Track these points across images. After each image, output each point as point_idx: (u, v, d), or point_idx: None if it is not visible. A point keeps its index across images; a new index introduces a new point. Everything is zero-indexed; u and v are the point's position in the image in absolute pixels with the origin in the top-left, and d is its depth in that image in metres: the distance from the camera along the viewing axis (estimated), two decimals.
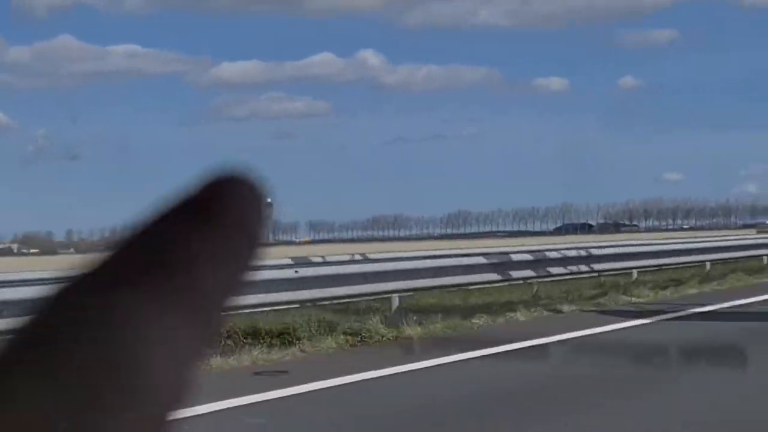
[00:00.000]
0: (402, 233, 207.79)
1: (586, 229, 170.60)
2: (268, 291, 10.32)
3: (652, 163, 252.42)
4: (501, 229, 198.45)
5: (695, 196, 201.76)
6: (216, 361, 9.30)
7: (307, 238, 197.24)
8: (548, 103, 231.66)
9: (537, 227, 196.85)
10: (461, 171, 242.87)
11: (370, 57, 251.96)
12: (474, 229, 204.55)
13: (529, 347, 10.74)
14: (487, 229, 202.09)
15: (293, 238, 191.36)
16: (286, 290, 11.08)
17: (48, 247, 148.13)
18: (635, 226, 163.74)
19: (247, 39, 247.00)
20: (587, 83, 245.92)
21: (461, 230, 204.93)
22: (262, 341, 10.61)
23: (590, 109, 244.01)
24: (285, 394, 8.12)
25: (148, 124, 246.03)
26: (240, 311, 9.13)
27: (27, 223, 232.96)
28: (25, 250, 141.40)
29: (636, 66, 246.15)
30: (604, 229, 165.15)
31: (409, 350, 10.93)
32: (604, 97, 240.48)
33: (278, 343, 10.69)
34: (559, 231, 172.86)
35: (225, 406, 7.38)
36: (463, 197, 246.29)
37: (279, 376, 9.05)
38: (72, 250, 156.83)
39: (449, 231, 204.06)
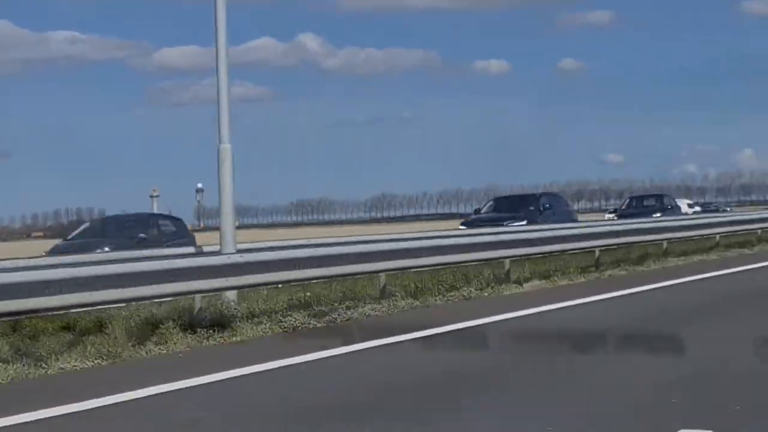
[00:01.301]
0: (327, 218, 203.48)
1: None
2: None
3: (591, 145, 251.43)
4: (426, 212, 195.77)
5: (637, 177, 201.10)
6: None
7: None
8: (488, 85, 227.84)
9: (462, 210, 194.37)
10: (390, 154, 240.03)
11: (310, 40, 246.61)
12: (399, 213, 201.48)
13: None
14: (412, 212, 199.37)
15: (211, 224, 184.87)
16: None
17: None
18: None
19: (186, 24, 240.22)
20: (527, 65, 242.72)
21: (385, 213, 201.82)
22: None
23: (530, 92, 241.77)
24: None
25: (89, 110, 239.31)
26: None
27: None
28: None
29: (575, 48, 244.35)
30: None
31: None
32: (543, 80, 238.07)
33: None
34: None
35: None
36: (388, 181, 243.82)
37: None
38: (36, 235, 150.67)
39: (375, 215, 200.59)
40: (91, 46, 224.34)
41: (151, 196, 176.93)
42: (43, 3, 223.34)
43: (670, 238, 23.71)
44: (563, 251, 19.47)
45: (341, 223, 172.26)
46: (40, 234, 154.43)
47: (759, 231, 28.88)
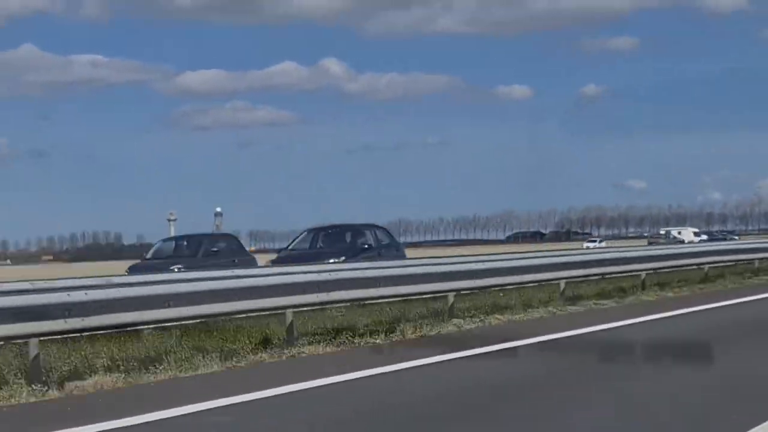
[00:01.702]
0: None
1: (538, 237, 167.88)
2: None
3: (613, 171, 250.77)
4: (443, 238, 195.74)
5: (659, 203, 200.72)
6: None
7: (252, 248, 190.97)
8: (511, 110, 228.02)
9: (480, 236, 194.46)
10: (410, 179, 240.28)
11: (333, 65, 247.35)
12: (415, 239, 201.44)
13: None
14: (428, 237, 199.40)
15: None
16: None
17: None
18: (588, 234, 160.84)
19: (209, 48, 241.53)
20: (549, 91, 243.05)
21: (402, 239, 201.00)
22: None
23: (552, 117, 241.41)
24: None
25: (111, 133, 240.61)
26: None
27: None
28: None
29: (598, 73, 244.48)
30: (556, 237, 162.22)
31: None
32: (566, 105, 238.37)
33: None
34: (510, 239, 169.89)
35: None
36: (407, 206, 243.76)
37: None
38: (8, 261, 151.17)
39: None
40: (113, 70, 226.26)
41: (169, 220, 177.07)
42: (67, 27, 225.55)
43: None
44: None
45: None
46: (50, 258, 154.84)
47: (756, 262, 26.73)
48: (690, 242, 62.36)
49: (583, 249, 32.42)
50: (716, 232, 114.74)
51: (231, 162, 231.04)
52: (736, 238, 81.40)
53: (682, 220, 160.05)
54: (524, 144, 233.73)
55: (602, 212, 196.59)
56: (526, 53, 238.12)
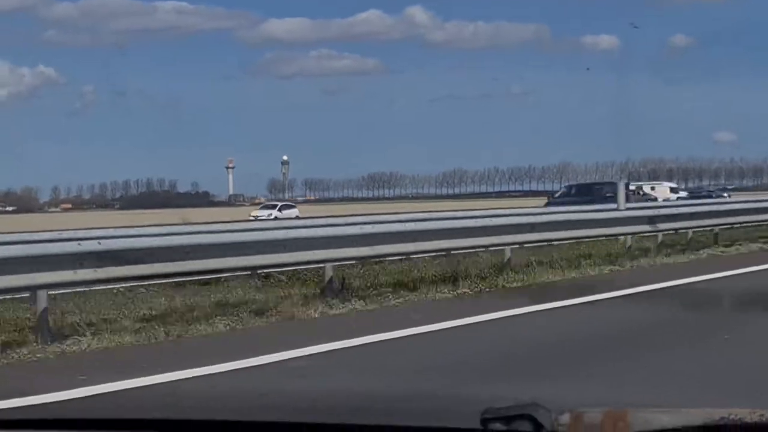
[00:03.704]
0: (397, 192, 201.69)
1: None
2: None
3: (702, 124, 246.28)
4: (496, 189, 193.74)
5: (749, 156, 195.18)
6: None
7: (310, 197, 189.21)
8: (597, 60, 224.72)
9: (535, 187, 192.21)
10: (501, 128, 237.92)
11: (418, 13, 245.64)
12: (470, 189, 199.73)
13: None
14: (483, 189, 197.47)
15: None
16: None
17: (28, 204, 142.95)
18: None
19: None
20: (637, 41, 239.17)
21: (456, 190, 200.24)
22: None
23: (639, 67, 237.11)
24: None
25: (195, 81, 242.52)
26: None
27: (63, 176, 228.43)
28: (1, 207, 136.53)
29: (686, 23, 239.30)
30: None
31: None
32: (653, 55, 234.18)
33: None
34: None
35: None
36: (457, 156, 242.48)
37: None
38: (59, 208, 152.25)
39: (446, 191, 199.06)
40: (198, 17, 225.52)
41: (227, 168, 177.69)
42: None
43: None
44: None
45: (412, 198, 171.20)
46: (69, 206, 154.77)
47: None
48: (665, 200, 55.05)
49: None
50: (697, 188, 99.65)
51: (306, 110, 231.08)
52: (726, 195, 66.75)
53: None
54: (606, 95, 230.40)
55: (661, 164, 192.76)
56: (615, 3, 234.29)
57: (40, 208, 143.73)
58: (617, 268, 15.50)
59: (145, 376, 7.19)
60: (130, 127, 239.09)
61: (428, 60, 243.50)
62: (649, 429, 1.81)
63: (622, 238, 17.88)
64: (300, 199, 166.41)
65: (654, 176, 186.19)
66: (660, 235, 18.19)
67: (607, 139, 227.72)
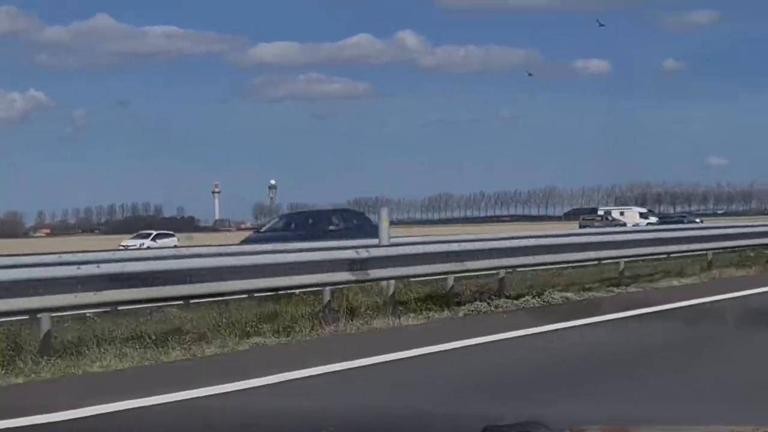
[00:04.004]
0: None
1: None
2: None
3: (694, 147, 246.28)
4: (482, 214, 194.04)
5: (738, 181, 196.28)
6: None
7: None
8: (588, 85, 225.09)
9: (527, 211, 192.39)
10: (490, 152, 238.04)
11: (409, 38, 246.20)
12: (456, 214, 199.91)
13: None
14: (468, 213, 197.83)
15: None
16: None
17: (13, 229, 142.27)
18: (651, 210, 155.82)
19: (283, 19, 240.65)
20: (627, 65, 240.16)
21: (442, 215, 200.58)
22: None
23: (630, 92, 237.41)
24: None
25: (185, 104, 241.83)
26: None
27: (49, 201, 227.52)
28: None
29: (677, 47, 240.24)
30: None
31: None
32: (644, 79, 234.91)
33: None
34: (568, 216, 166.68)
35: None
36: (447, 180, 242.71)
37: None
38: (41, 232, 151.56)
39: (432, 216, 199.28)
40: (188, 41, 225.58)
41: (213, 192, 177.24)
42: None
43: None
44: None
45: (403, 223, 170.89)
46: (47, 231, 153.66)
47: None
48: (635, 225, 52.88)
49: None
50: (669, 214, 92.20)
51: (294, 134, 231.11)
52: (698, 221, 63.50)
53: (749, 197, 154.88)
54: (596, 120, 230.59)
55: (648, 189, 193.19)
56: (605, 28, 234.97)
57: (25, 233, 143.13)
58: None
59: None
60: (119, 150, 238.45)
61: (419, 84, 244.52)
62: None
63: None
64: None
65: (642, 201, 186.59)
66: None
67: (594, 164, 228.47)
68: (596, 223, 62.90)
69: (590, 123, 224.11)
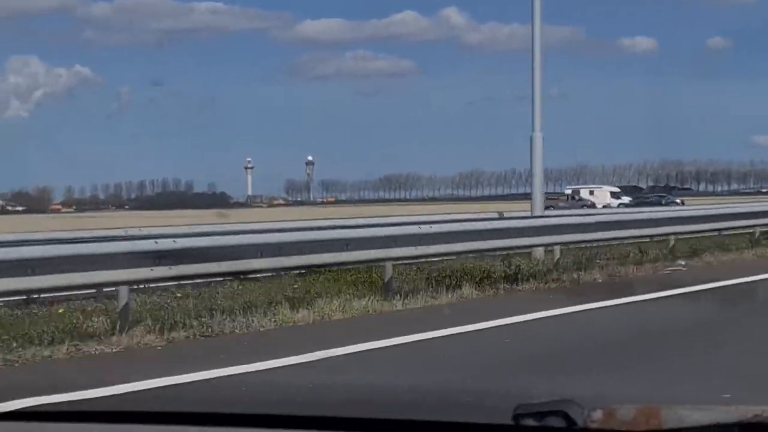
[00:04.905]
0: (412, 194, 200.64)
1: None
2: None
3: (738, 126, 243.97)
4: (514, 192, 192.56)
5: None
6: None
7: (330, 198, 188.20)
8: (633, 63, 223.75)
9: (551, 189, 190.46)
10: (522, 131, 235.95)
11: (453, 15, 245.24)
12: (487, 191, 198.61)
13: None
14: (499, 191, 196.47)
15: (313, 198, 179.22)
16: None
17: (39, 205, 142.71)
18: (689, 189, 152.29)
19: None
20: (674, 43, 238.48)
21: (473, 192, 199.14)
22: None
23: (676, 70, 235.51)
24: None
25: (231, 82, 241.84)
26: None
27: (80, 176, 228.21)
28: (10, 207, 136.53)
29: (724, 25, 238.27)
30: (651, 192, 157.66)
31: None
32: (691, 57, 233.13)
33: None
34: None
35: None
36: (480, 158, 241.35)
37: None
38: (73, 208, 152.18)
39: (462, 193, 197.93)
40: (233, 17, 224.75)
41: (246, 168, 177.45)
42: None
43: None
44: None
45: (428, 200, 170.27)
46: (59, 207, 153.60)
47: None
48: (605, 206, 50.40)
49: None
50: (647, 195, 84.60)
51: (336, 111, 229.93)
52: (678, 201, 60.57)
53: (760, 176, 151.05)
54: (640, 97, 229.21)
55: (679, 167, 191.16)
56: (651, 5, 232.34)
57: (51, 209, 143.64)
58: None
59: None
60: (155, 127, 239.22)
61: (463, 61, 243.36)
62: (681, 426, 1.79)
63: None
64: (320, 200, 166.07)
65: (683, 179, 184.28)
66: None
67: (632, 142, 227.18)
68: (561, 204, 54.46)
69: (633, 101, 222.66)
